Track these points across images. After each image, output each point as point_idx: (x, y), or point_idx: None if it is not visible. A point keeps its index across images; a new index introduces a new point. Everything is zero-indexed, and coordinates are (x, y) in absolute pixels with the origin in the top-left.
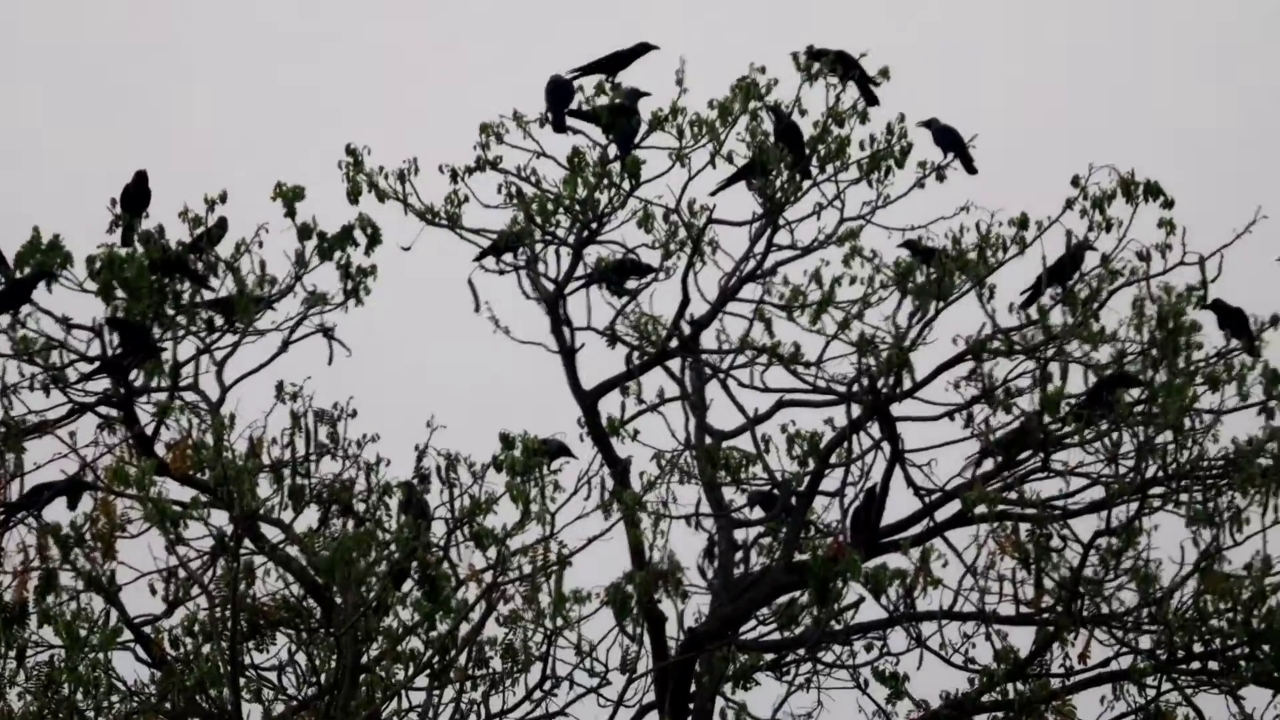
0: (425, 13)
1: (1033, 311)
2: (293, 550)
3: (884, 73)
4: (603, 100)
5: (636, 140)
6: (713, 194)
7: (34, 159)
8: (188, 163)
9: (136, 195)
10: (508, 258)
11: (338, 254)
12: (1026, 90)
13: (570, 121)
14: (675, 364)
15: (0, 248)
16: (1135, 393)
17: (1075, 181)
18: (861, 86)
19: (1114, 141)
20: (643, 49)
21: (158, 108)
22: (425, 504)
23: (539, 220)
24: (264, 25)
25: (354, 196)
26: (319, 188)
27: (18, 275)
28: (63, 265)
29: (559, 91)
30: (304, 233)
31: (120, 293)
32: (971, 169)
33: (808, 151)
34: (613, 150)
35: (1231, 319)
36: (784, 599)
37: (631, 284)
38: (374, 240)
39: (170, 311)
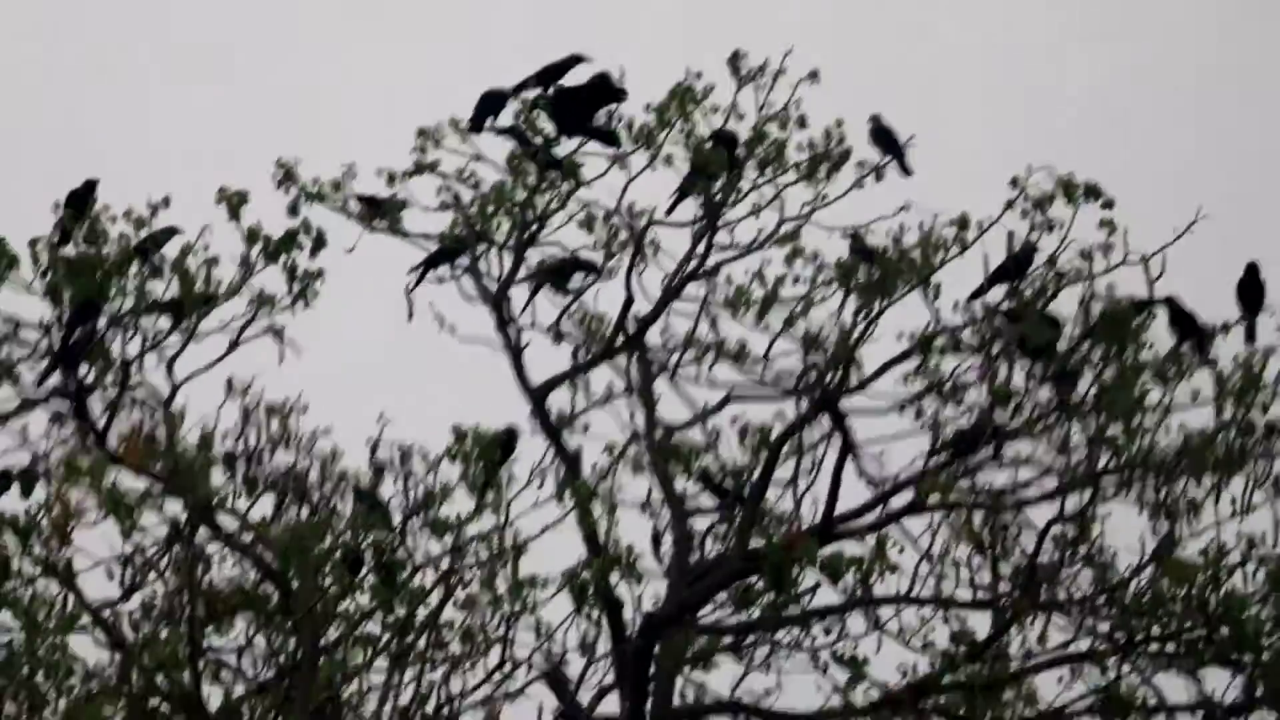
0: (361, 18)
1: (978, 309)
2: (248, 538)
3: (813, 74)
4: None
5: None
6: (668, 213)
7: None
8: (117, 170)
9: (82, 200)
10: (445, 271)
11: (283, 257)
12: (960, 90)
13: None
14: (622, 360)
15: None
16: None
17: (1014, 182)
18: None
19: (1056, 143)
20: (574, 60)
21: (88, 113)
22: (378, 500)
23: (478, 225)
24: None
25: (293, 212)
26: (257, 189)
27: None
28: (9, 267)
29: (486, 100)
30: (251, 237)
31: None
32: (907, 171)
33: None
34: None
35: (1182, 320)
36: (740, 584)
37: (575, 284)
38: (318, 244)
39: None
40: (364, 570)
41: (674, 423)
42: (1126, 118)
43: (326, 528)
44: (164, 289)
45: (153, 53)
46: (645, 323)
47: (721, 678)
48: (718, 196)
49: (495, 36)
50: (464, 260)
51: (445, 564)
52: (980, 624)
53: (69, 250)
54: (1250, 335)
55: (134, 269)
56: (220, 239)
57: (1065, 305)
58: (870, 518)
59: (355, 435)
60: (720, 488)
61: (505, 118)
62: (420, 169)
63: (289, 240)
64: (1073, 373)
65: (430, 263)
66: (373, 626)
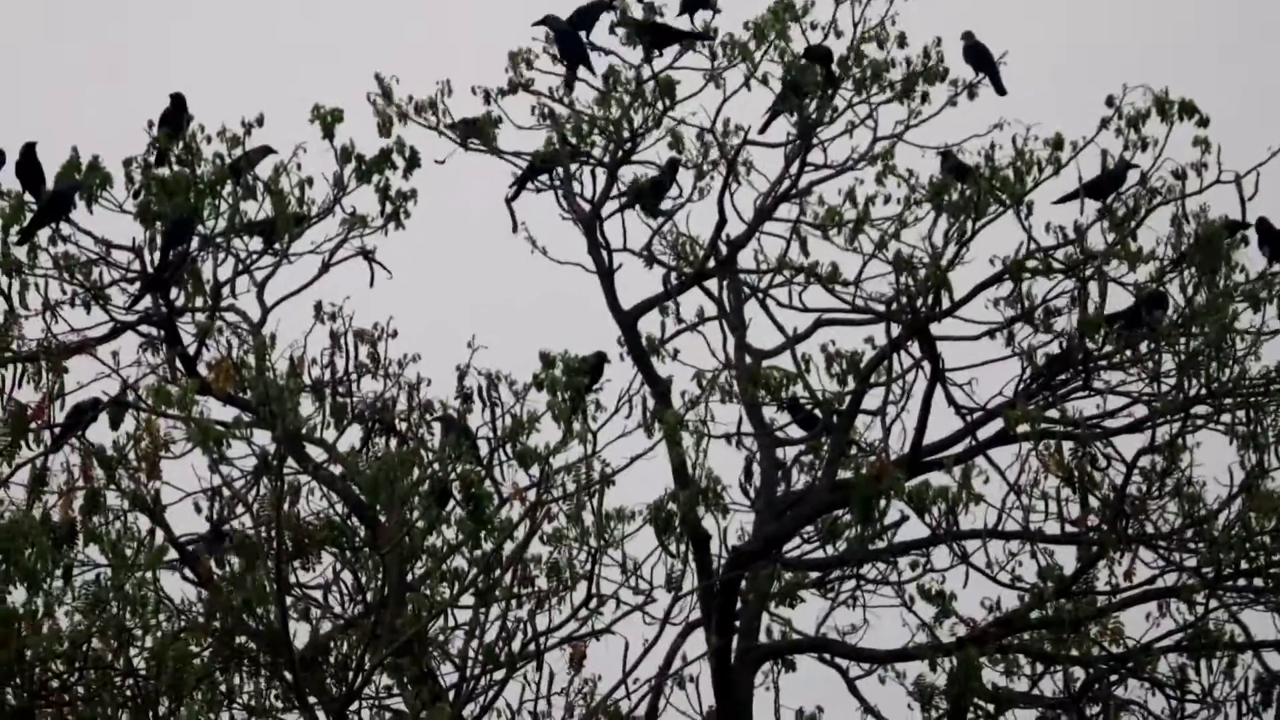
0: None
1: (1071, 230)
2: (336, 469)
3: None
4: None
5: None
6: (761, 131)
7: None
8: (214, 89)
9: (174, 118)
10: (543, 178)
11: (376, 177)
12: (1059, 9)
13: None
14: (713, 284)
15: (41, 167)
16: (1173, 312)
17: (1110, 101)
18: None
19: (1148, 60)
20: None
21: (184, 32)
22: (467, 428)
23: (573, 141)
24: None
25: (385, 130)
26: (349, 109)
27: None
28: (102, 186)
29: (582, 13)
30: (344, 155)
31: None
32: (1000, 89)
33: (839, 72)
34: (646, 71)
35: (1272, 239)
36: (827, 517)
37: (666, 205)
38: (412, 163)
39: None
40: (451, 503)
41: (764, 349)
42: (1225, 34)
43: (414, 460)
44: (257, 209)
45: None
46: (737, 245)
47: (806, 613)
48: (812, 115)
49: None
50: (559, 172)
51: (532, 496)
52: (1067, 558)
53: (163, 170)
54: None
55: (227, 188)
56: (313, 158)
57: (1158, 224)
58: (958, 448)
59: (444, 358)
60: (809, 416)
61: (600, 29)
62: (514, 87)
63: (383, 159)
64: (1163, 295)
65: (527, 175)
66: (459, 561)
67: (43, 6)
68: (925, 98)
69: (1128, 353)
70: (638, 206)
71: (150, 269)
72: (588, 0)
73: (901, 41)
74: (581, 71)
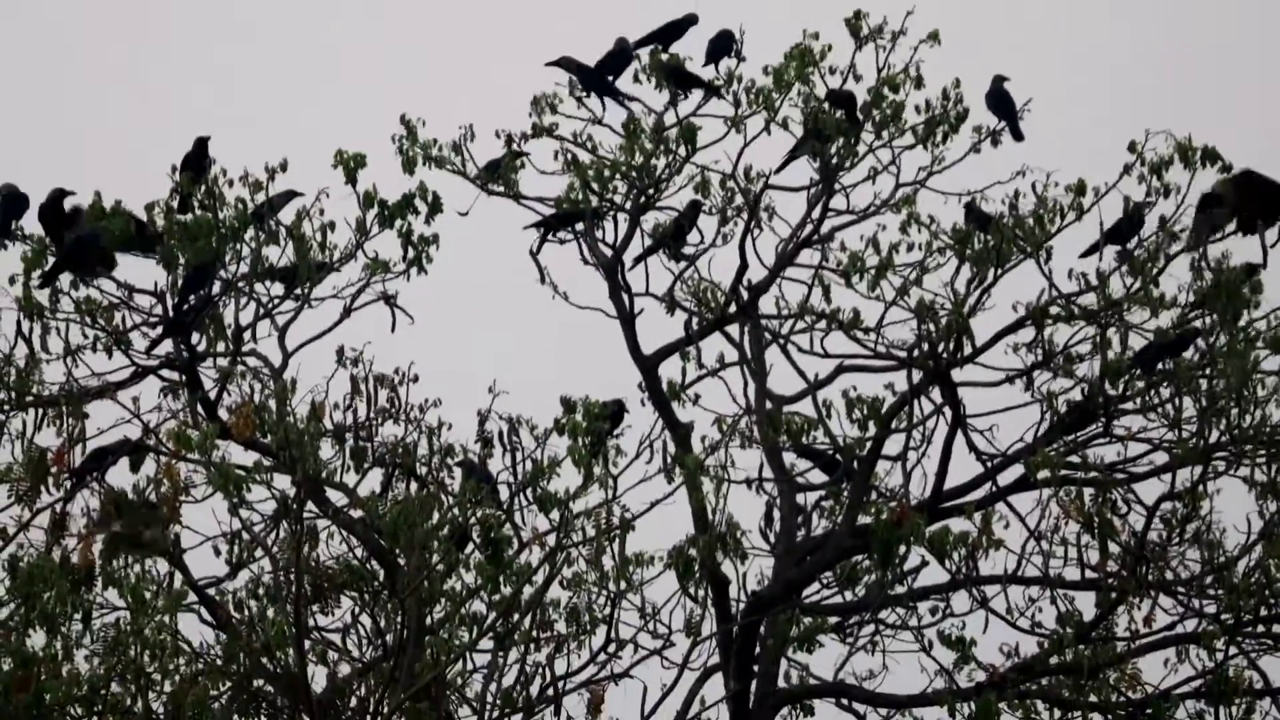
0: None
1: (1092, 276)
2: (356, 514)
3: (934, 36)
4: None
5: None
6: (777, 171)
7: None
8: (233, 133)
9: (196, 162)
10: (564, 234)
11: (399, 222)
12: (1084, 53)
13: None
14: (735, 330)
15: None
16: (1195, 356)
17: (1132, 147)
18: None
19: (1171, 106)
20: (692, 20)
21: (197, 74)
22: (488, 472)
23: (595, 188)
24: None
25: (409, 168)
26: (373, 153)
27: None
28: (126, 232)
29: (611, 58)
30: (367, 200)
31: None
32: (1018, 136)
33: (862, 117)
34: (669, 117)
35: None
36: (847, 562)
37: (688, 249)
38: (434, 208)
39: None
40: (470, 547)
41: (784, 395)
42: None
43: (434, 504)
44: (279, 254)
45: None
46: (758, 290)
47: (825, 658)
48: (834, 160)
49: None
50: (581, 225)
51: (551, 541)
52: (1087, 604)
53: (186, 216)
54: None
55: (250, 233)
56: (336, 203)
57: (1179, 271)
58: (979, 493)
59: (465, 403)
60: (830, 462)
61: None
62: (538, 131)
63: (405, 205)
64: (1184, 340)
65: (549, 225)
66: (478, 605)
67: (72, 51)
68: (946, 138)
69: (1149, 396)
70: (660, 251)
71: (172, 314)
72: (613, 48)
73: (919, 84)
74: (605, 114)
